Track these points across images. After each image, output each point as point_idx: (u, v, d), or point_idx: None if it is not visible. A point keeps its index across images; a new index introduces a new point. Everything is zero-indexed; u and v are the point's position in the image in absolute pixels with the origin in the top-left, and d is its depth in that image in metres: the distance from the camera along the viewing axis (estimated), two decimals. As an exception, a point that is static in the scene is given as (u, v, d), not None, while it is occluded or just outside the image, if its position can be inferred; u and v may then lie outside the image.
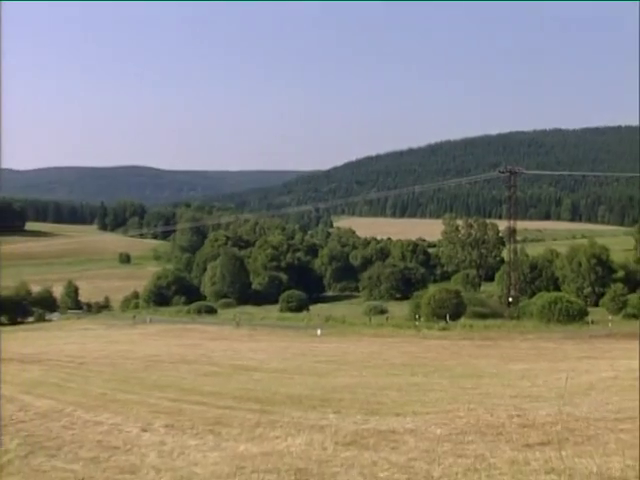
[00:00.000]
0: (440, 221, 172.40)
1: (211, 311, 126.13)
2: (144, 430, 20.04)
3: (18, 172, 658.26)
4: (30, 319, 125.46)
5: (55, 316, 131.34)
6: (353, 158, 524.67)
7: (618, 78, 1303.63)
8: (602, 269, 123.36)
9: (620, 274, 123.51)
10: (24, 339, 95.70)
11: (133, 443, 18.08)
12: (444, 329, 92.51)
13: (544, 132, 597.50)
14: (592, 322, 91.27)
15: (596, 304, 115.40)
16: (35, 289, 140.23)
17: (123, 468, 15.24)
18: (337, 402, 25.68)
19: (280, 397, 27.60)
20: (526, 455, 14.34)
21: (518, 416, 19.75)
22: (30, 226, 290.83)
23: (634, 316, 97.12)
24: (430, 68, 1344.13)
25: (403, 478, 13.16)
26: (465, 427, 18.24)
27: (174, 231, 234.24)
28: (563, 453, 13.56)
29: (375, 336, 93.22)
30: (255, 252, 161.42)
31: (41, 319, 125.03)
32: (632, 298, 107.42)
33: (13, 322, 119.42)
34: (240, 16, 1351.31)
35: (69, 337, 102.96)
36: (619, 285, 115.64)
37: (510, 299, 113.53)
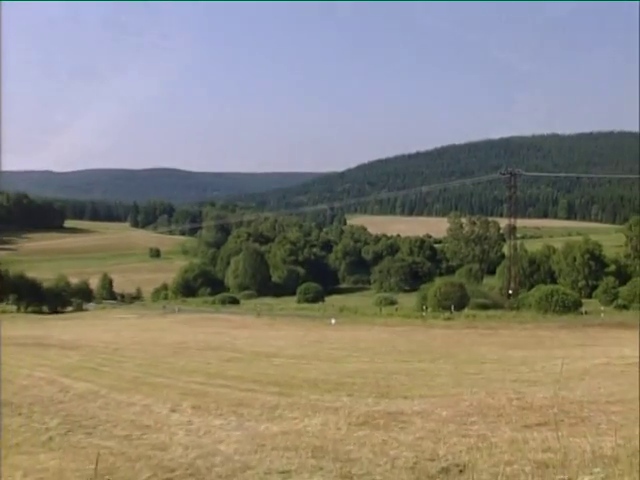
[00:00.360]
0: (445, 219, 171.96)
1: (234, 302, 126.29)
2: (173, 411, 20.11)
3: (58, 174, 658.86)
4: (69, 308, 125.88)
5: (91, 306, 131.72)
6: (365, 161, 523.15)
7: (611, 87, 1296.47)
8: (595, 264, 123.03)
9: (612, 268, 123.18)
10: (63, 327, 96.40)
11: (163, 422, 18.15)
12: (449, 319, 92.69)
13: (542, 137, 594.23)
14: (586, 312, 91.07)
15: (589, 296, 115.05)
16: (73, 281, 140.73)
17: (154, 445, 15.30)
18: (350, 386, 25.70)
19: (298, 381, 27.64)
20: (525, 435, 14.32)
21: (517, 399, 19.70)
22: (69, 223, 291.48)
23: (624, 307, 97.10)
24: (436, 76, 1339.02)
25: (411, 456, 13.16)
26: (468, 409, 18.23)
27: (200, 228, 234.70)
28: (559, 433, 13.54)
29: (385, 325, 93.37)
30: (275, 248, 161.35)
31: (79, 309, 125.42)
32: (622, 290, 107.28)
33: (53, 311, 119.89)
34: (252, 18, 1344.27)
35: (104, 325, 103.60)
36: (611, 278, 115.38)
37: (510, 291, 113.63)
